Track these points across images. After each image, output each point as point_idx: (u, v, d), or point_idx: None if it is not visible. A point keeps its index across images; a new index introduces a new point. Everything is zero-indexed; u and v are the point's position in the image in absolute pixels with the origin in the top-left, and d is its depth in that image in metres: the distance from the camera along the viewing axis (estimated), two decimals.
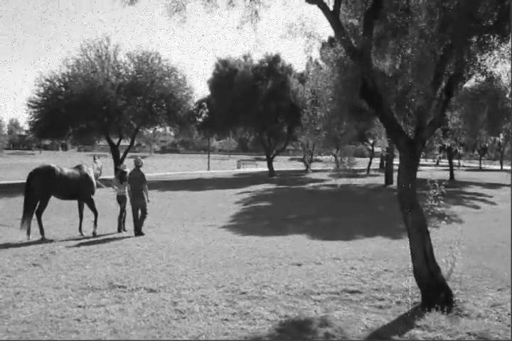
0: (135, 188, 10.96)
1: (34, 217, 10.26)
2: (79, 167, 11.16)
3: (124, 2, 6.55)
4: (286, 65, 35.60)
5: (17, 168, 39.25)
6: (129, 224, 11.24)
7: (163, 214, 14.79)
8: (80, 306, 5.17)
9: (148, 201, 11.09)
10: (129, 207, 11.32)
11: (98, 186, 11.58)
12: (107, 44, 29.51)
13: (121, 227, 11.33)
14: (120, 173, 11.60)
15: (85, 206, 11.19)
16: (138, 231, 10.79)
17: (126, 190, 11.36)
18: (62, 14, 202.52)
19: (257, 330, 4.57)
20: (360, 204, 18.90)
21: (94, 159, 11.94)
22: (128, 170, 11.45)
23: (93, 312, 4.95)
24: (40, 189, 10.19)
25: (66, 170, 10.67)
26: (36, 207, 10.33)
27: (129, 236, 10.45)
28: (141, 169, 11.26)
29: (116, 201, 11.57)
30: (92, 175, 11.22)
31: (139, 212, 10.94)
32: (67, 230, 11.55)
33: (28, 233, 9.97)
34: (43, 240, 9.82)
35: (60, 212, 15.56)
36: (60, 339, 4.30)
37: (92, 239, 10.09)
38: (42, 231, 10.15)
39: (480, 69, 5.59)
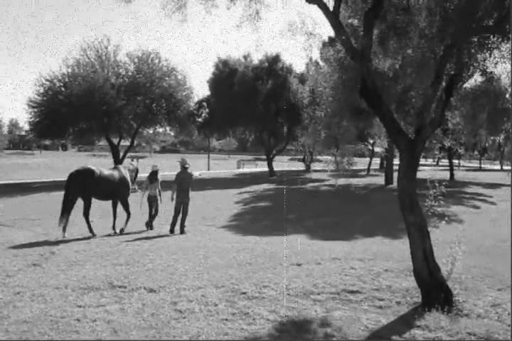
0: (181, 188, 11.22)
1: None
2: (116, 168, 11.67)
3: (120, 1, 6.56)
4: (286, 65, 35.57)
5: (17, 168, 39.27)
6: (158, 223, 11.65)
7: (163, 215, 14.78)
8: (80, 306, 5.18)
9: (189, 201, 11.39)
10: (161, 207, 11.82)
11: (133, 191, 12.05)
12: (106, 44, 29.54)
13: (150, 226, 11.68)
14: (151, 173, 11.91)
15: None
16: (181, 230, 11.20)
17: (157, 190, 11.75)
18: (63, 14, 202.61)
19: (257, 330, 4.56)
20: (360, 204, 18.88)
21: (132, 161, 12.17)
22: (159, 170, 11.91)
23: (93, 312, 4.95)
24: (81, 190, 10.62)
25: (105, 172, 11.10)
26: (74, 207, 10.78)
27: (145, 238, 10.52)
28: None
29: (147, 201, 11.91)
30: (128, 176, 11.63)
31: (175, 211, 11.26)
32: (67, 230, 11.54)
33: (64, 230, 10.31)
34: (93, 236, 10.42)
35: (59, 213, 15.56)
36: (60, 339, 4.30)
37: (92, 239, 10.10)
38: (91, 230, 10.62)
39: (480, 69, 5.59)
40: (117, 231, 11.07)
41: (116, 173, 11.31)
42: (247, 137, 45.77)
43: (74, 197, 10.69)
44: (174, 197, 11.43)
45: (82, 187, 10.57)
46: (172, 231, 11.24)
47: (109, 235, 10.71)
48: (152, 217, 11.86)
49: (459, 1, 5.08)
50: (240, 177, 35.50)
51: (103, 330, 4.48)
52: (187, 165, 11.59)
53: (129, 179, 11.60)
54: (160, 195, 11.93)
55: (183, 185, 11.30)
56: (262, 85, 33.47)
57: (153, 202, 11.83)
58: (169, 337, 4.37)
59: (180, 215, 11.37)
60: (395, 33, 5.88)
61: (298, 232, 12.44)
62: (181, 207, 11.29)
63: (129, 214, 11.54)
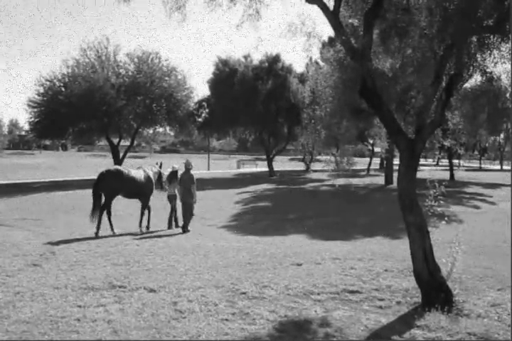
0: (185, 189, 11.65)
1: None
2: (141, 168, 12.17)
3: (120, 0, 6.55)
4: (286, 65, 35.59)
5: (17, 168, 39.26)
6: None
7: (163, 215, 14.78)
8: (79, 306, 5.17)
9: (195, 202, 11.81)
10: (179, 205, 12.12)
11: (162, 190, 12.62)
12: (106, 44, 29.53)
13: (171, 225, 12.10)
14: (170, 173, 12.37)
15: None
16: (184, 228, 11.52)
17: (176, 189, 12.11)
18: (62, 14, 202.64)
19: (257, 330, 4.56)
20: (360, 204, 18.89)
21: (156, 164, 12.97)
22: (179, 171, 12.33)
23: (93, 312, 4.95)
24: (110, 189, 11.06)
25: (133, 172, 11.63)
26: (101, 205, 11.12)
27: (169, 235, 10.88)
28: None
29: (167, 200, 12.35)
30: (152, 176, 12.16)
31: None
32: (67, 230, 11.55)
33: (98, 227, 10.68)
34: (114, 234, 10.85)
35: (59, 213, 15.58)
36: (60, 339, 4.30)
37: (92, 239, 10.09)
38: (111, 228, 11.06)
39: (480, 69, 5.59)
40: (144, 230, 11.52)
41: (142, 173, 11.84)
42: (247, 137, 45.75)
43: (104, 195, 11.11)
44: (180, 196, 11.86)
45: (110, 186, 11.00)
46: (178, 226, 11.94)
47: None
48: (172, 215, 12.28)
49: (459, 1, 5.08)
50: (240, 177, 35.51)
51: (103, 330, 4.48)
52: (190, 167, 12.00)
53: (153, 179, 12.13)
54: (195, 194, 12.17)
55: (186, 185, 11.64)
56: (262, 85, 33.48)
57: (173, 201, 12.25)
58: (169, 337, 4.37)
59: (174, 213, 12.04)
60: (395, 32, 5.88)
61: (298, 232, 12.45)
62: (185, 207, 11.66)
63: (149, 211, 11.97)
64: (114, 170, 11.42)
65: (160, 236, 10.74)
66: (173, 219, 12.21)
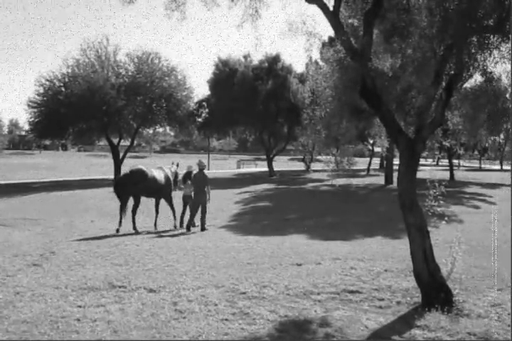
0: (198, 188, 12.11)
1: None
2: (161, 168, 12.66)
3: (123, 1, 6.55)
4: (286, 65, 35.57)
5: (17, 168, 39.25)
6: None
7: (163, 215, 14.79)
8: (80, 306, 5.17)
9: (209, 200, 12.24)
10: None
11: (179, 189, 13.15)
12: (106, 44, 29.50)
13: (183, 223, 12.41)
14: (186, 173, 12.78)
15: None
16: (202, 227, 12.07)
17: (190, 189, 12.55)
18: (62, 14, 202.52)
19: (257, 330, 4.56)
20: (360, 204, 18.88)
21: (173, 163, 13.39)
22: (194, 171, 12.72)
23: (93, 312, 4.95)
24: (134, 188, 11.55)
25: (154, 172, 12.16)
26: (126, 205, 11.70)
27: (170, 236, 10.86)
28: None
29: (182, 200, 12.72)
30: (171, 175, 12.69)
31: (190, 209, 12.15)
32: (67, 230, 11.55)
33: (120, 225, 11.30)
34: (136, 233, 11.28)
35: (59, 213, 15.57)
36: (60, 339, 4.30)
37: (92, 239, 10.09)
38: (134, 226, 11.54)
39: (480, 69, 5.59)
40: (173, 227, 12.27)
41: (162, 173, 12.36)
42: (247, 137, 45.78)
43: (128, 194, 11.63)
44: (194, 195, 12.28)
45: (134, 185, 11.48)
46: (183, 225, 12.26)
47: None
48: (191, 216, 12.50)
49: (459, 1, 5.08)
50: (240, 177, 35.49)
51: (103, 330, 4.47)
52: (203, 167, 12.49)
53: (172, 178, 12.66)
54: (209, 194, 12.55)
55: (200, 184, 12.12)
56: (262, 85, 33.46)
57: (188, 201, 12.58)
58: (169, 337, 4.37)
59: (188, 212, 12.29)
60: (395, 32, 5.88)
61: (298, 232, 12.44)
62: (199, 207, 12.09)
63: (173, 209, 12.51)
64: (138, 170, 11.86)
65: (161, 236, 10.87)
66: (184, 218, 12.57)
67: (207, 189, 12.15)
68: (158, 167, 12.81)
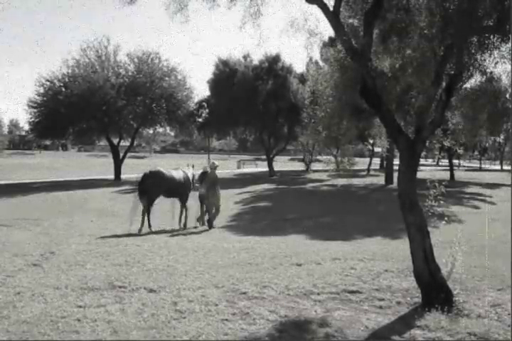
0: (210, 187, 12.52)
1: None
2: (180, 169, 13.06)
3: (124, 1, 6.55)
4: (287, 65, 35.57)
5: (17, 168, 39.24)
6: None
7: (163, 215, 14.80)
8: (80, 306, 5.17)
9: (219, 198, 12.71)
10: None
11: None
12: (106, 44, 29.56)
13: (204, 222, 12.74)
14: (201, 174, 13.07)
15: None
16: (210, 225, 12.50)
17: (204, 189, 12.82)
18: (62, 14, 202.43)
19: (257, 330, 4.56)
20: (360, 204, 18.88)
21: (187, 165, 13.84)
22: (209, 171, 13.05)
23: (93, 312, 4.95)
24: (154, 188, 11.86)
25: (173, 172, 12.55)
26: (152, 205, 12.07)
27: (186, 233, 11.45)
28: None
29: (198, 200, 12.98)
30: (190, 176, 13.04)
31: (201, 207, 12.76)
32: (67, 230, 11.55)
33: (143, 225, 11.56)
34: (151, 230, 11.62)
35: (59, 213, 15.58)
36: (60, 339, 4.30)
37: (92, 239, 10.09)
38: (149, 225, 11.81)
39: (480, 69, 5.59)
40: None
41: (180, 174, 12.71)
42: (247, 137, 45.76)
43: (149, 194, 11.84)
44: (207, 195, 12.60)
45: (154, 186, 11.79)
46: (210, 226, 12.64)
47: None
48: (204, 214, 12.93)
49: (459, 1, 5.08)
50: (240, 177, 35.49)
51: (103, 330, 4.47)
52: (214, 167, 12.95)
53: (190, 179, 12.98)
54: (219, 193, 13.05)
55: (212, 183, 12.53)
56: (262, 85, 33.45)
57: (204, 201, 12.84)
58: (169, 337, 4.37)
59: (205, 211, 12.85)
60: (395, 32, 5.88)
61: (298, 232, 12.45)
62: (212, 205, 12.56)
63: (186, 209, 12.78)
64: (157, 171, 12.21)
65: (172, 236, 11.05)
66: (204, 216, 12.85)
67: (217, 188, 12.59)
68: (176, 168, 13.22)
